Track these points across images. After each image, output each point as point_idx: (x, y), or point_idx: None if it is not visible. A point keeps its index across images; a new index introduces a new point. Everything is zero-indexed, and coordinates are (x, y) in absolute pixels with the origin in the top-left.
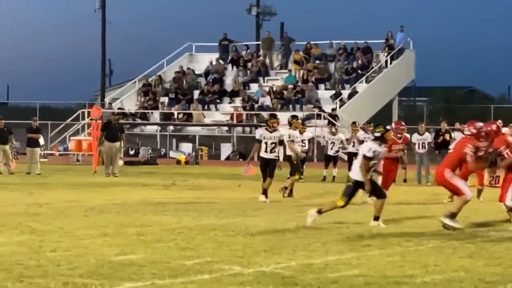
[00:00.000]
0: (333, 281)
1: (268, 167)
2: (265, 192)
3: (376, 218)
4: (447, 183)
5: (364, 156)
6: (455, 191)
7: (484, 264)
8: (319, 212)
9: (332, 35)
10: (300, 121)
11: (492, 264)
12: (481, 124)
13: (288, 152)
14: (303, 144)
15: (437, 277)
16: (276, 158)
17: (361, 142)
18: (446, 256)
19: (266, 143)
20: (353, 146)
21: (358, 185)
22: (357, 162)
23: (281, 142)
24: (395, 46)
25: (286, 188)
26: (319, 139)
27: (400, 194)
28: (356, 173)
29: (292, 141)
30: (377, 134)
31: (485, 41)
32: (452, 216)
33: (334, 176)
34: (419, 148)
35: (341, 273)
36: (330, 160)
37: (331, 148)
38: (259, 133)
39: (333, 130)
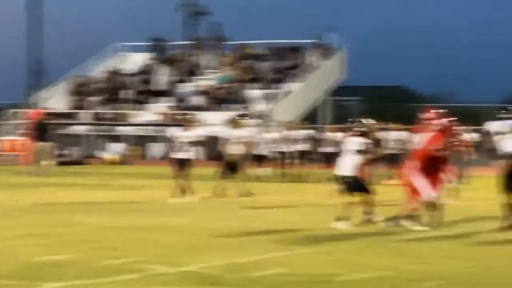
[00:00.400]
0: (256, 280)
1: (181, 167)
2: (182, 193)
3: (341, 219)
4: (408, 178)
5: (358, 151)
6: (413, 189)
7: (409, 262)
8: (367, 212)
9: (264, 34)
10: (244, 120)
11: (417, 262)
12: (446, 120)
13: (231, 151)
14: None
15: (361, 276)
16: (190, 158)
17: (292, 141)
18: (372, 254)
19: (179, 142)
20: (284, 145)
21: (356, 179)
22: (347, 160)
23: (200, 143)
24: (326, 45)
25: (247, 192)
26: (250, 138)
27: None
28: (348, 170)
29: (231, 140)
30: (362, 129)
31: (417, 40)
32: (409, 218)
33: (262, 176)
34: None
35: (266, 272)
36: (259, 160)
37: (261, 148)
38: (173, 132)
39: (263, 129)
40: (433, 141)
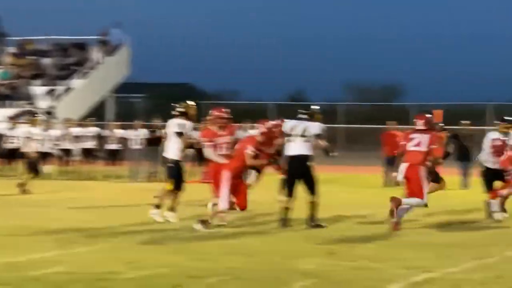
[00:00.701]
0: (35, 279)
1: None
2: None
3: (157, 206)
4: (219, 183)
5: (176, 134)
6: (218, 193)
7: (190, 259)
8: (157, 207)
9: (47, 30)
10: (39, 117)
11: (198, 259)
12: (272, 123)
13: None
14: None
15: (142, 273)
16: None
17: (76, 138)
18: (153, 251)
19: None
20: (68, 142)
21: (178, 164)
22: (171, 143)
23: None
24: (110, 42)
25: (23, 185)
26: (33, 135)
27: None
28: (172, 153)
29: (29, 138)
30: (180, 110)
31: (203, 38)
32: (204, 222)
33: (46, 173)
34: (136, 144)
35: (44, 271)
36: (43, 157)
37: (44, 145)
38: None
39: (46, 126)
40: (247, 144)
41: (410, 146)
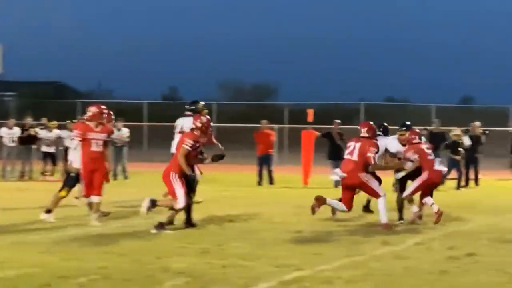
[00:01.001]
0: None
1: None
2: None
3: (48, 211)
4: (168, 183)
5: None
6: (171, 194)
7: (60, 259)
8: (49, 211)
9: None
10: None
11: (67, 258)
12: (205, 118)
13: None
14: None
15: (11, 273)
16: None
17: None
18: (22, 251)
19: None
20: None
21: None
22: (75, 152)
23: None
24: None
25: None
26: None
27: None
28: (77, 163)
29: None
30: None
31: (75, 37)
32: (161, 226)
33: None
34: (9, 142)
35: None
36: None
37: None
38: None
39: None
40: (180, 143)
41: (346, 154)
